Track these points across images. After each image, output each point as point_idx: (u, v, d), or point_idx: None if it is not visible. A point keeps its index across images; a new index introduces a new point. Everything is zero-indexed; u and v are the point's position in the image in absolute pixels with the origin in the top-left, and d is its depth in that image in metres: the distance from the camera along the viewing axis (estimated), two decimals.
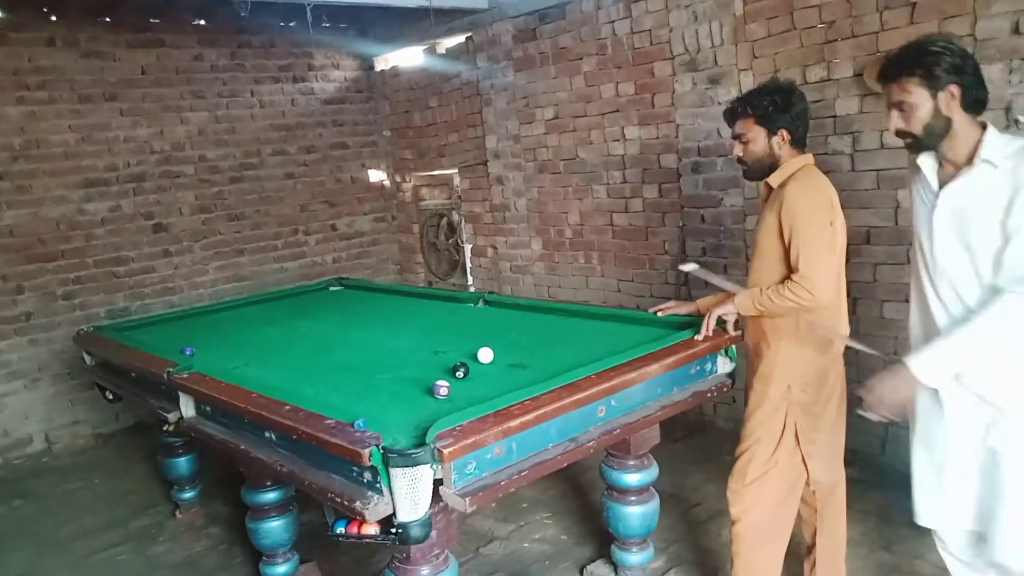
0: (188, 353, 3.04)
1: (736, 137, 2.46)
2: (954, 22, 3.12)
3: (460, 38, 5.61)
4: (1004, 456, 1.92)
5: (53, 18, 4.99)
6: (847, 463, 2.61)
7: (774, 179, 2.42)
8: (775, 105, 2.35)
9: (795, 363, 2.38)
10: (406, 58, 6.28)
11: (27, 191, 4.96)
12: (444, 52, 5.84)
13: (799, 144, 2.41)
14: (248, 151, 5.88)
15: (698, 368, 2.67)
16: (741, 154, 2.46)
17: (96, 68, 5.17)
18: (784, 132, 2.37)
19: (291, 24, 5.91)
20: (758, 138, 2.40)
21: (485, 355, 2.64)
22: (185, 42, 5.54)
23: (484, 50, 5.36)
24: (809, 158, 2.43)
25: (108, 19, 5.18)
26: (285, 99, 6.06)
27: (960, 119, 1.93)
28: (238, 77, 5.80)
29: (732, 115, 2.47)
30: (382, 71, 6.48)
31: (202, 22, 5.58)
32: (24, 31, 4.90)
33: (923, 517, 2.15)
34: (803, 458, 2.42)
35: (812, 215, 2.27)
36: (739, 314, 2.51)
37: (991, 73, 3.03)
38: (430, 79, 5.98)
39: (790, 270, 2.31)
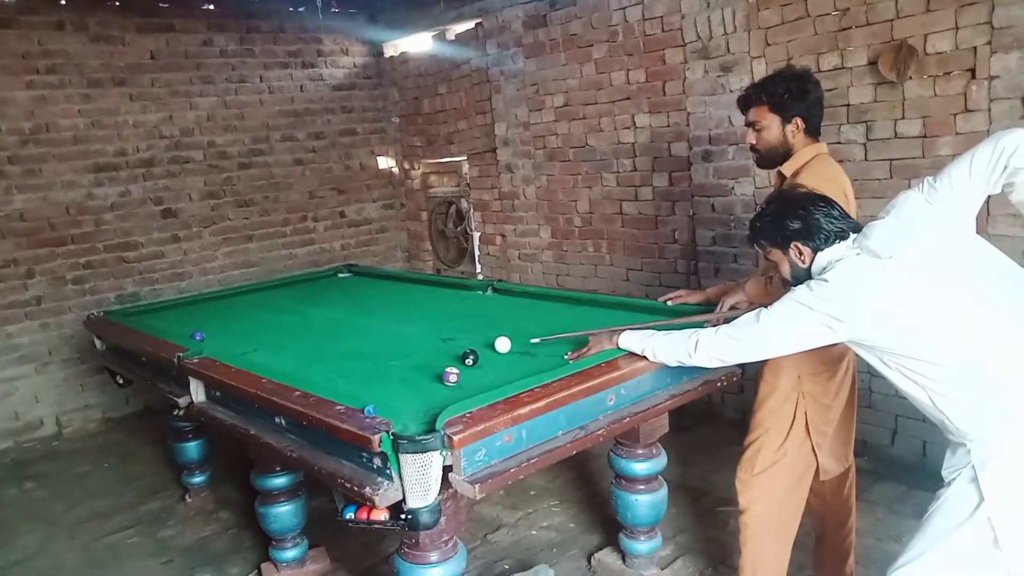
0: (198, 338, 3.04)
1: (749, 124, 2.44)
2: (971, 10, 3.08)
3: (469, 24, 5.57)
4: None
5: (62, 1, 4.98)
6: (856, 453, 2.60)
7: (787, 168, 2.40)
8: (790, 92, 2.32)
9: (806, 354, 2.36)
10: (415, 44, 6.25)
11: (37, 175, 4.97)
12: (453, 38, 5.81)
13: (813, 133, 2.38)
14: (257, 137, 5.88)
15: None
16: (754, 141, 2.44)
17: (105, 52, 5.16)
18: (798, 120, 2.34)
19: (300, 9, 5.90)
20: (772, 126, 2.38)
21: (503, 344, 2.62)
22: (194, 27, 5.52)
23: (494, 36, 5.33)
24: (823, 147, 2.40)
25: (117, 3, 5.17)
26: (294, 85, 6.04)
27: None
28: (247, 62, 5.79)
29: (746, 102, 2.45)
30: (391, 57, 6.46)
31: (211, 7, 5.57)
32: (33, 14, 4.90)
33: None
34: (813, 448, 2.41)
35: None
36: (750, 303, 2.50)
37: (1008, 62, 3.01)
38: (439, 65, 5.95)
39: None
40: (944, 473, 1.82)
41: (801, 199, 1.97)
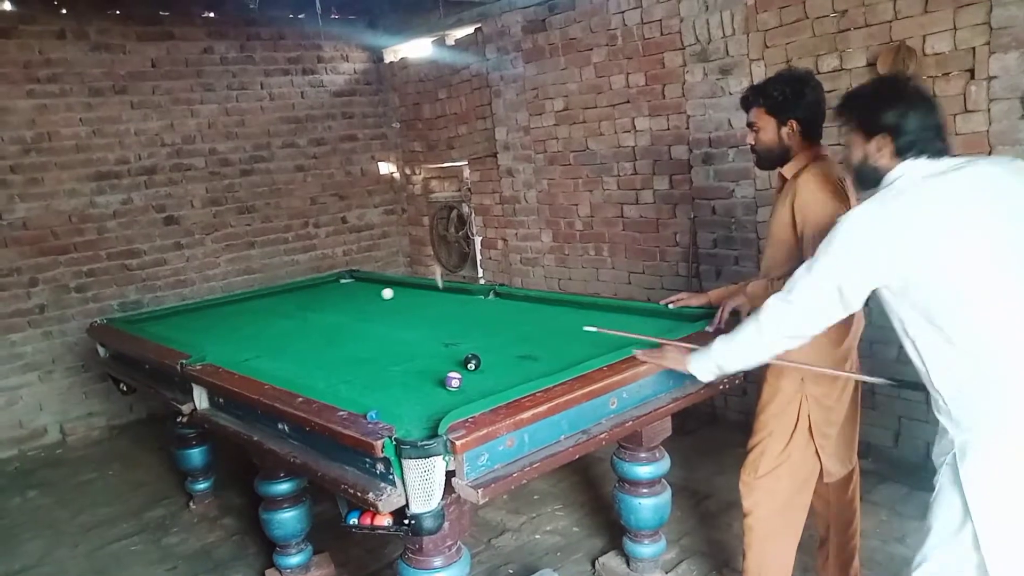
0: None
1: (749, 125, 2.45)
2: (969, 10, 3.09)
3: (469, 29, 5.59)
4: None
5: (63, 11, 5.00)
6: (860, 455, 2.60)
7: (788, 169, 2.40)
8: (785, 96, 2.33)
9: (809, 356, 2.36)
10: (415, 50, 6.27)
11: (39, 184, 4.99)
12: (453, 43, 5.82)
13: (813, 135, 2.38)
14: (258, 144, 5.89)
15: None
16: (752, 142, 2.45)
17: (106, 61, 5.18)
18: (794, 123, 2.34)
19: (300, 16, 5.92)
20: (768, 127, 2.38)
21: (387, 293, 2.98)
22: (194, 35, 5.54)
23: (493, 41, 5.34)
24: (824, 149, 2.40)
25: (118, 12, 5.19)
26: (295, 91, 6.06)
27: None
28: (248, 69, 5.81)
29: (746, 103, 2.46)
30: (391, 63, 6.47)
31: (211, 14, 5.59)
32: (34, 24, 4.92)
33: None
34: (817, 451, 2.40)
35: (825, 207, 2.25)
36: (752, 306, 2.50)
37: (1007, 62, 3.01)
38: (439, 71, 5.96)
39: (803, 261, 2.29)
40: (935, 460, 1.82)
41: (913, 95, 1.83)
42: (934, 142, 1.80)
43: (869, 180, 1.93)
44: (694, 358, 2.15)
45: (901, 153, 1.81)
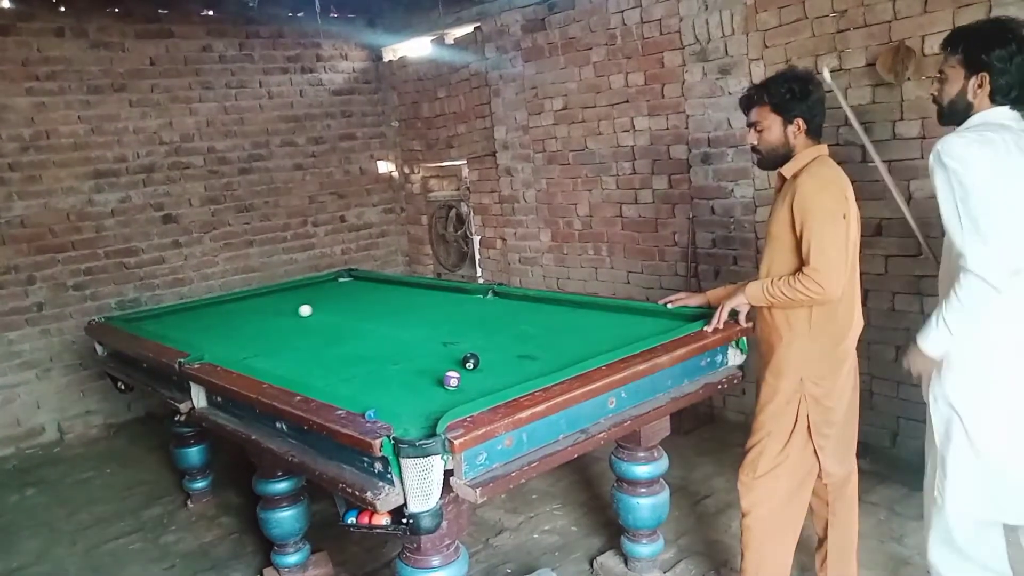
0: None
1: (751, 125, 2.44)
2: (969, 10, 3.08)
3: (468, 28, 5.58)
4: None
5: (62, 8, 4.99)
6: (859, 455, 2.60)
7: (787, 169, 2.40)
8: (792, 93, 2.32)
9: (808, 356, 2.36)
10: (414, 48, 6.26)
11: (37, 182, 4.98)
12: (452, 42, 5.82)
13: (814, 134, 2.38)
14: (257, 142, 5.88)
15: (708, 360, 2.66)
16: (755, 142, 2.44)
17: (105, 59, 5.17)
18: (800, 121, 2.34)
19: (299, 15, 5.91)
20: (773, 126, 2.37)
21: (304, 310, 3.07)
22: (193, 33, 5.53)
23: (492, 40, 5.34)
24: (824, 148, 2.40)
25: (116, 9, 5.18)
26: (293, 90, 6.05)
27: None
28: (246, 68, 5.80)
29: (748, 102, 2.44)
30: (390, 62, 6.47)
31: (210, 12, 5.58)
32: (33, 21, 4.91)
33: None
34: (815, 451, 2.41)
35: (825, 207, 2.25)
36: (750, 306, 2.50)
37: None
38: (438, 70, 5.96)
39: (802, 262, 2.29)
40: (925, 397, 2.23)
41: (1022, 42, 1.96)
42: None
43: (958, 115, 2.12)
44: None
45: (996, 95, 2.01)
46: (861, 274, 2.48)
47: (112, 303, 5.27)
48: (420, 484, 1.87)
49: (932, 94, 2.24)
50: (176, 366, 2.80)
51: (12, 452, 4.92)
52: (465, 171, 6.00)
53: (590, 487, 3.73)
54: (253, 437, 2.47)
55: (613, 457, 2.76)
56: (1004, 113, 2.09)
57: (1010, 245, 1.98)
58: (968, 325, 2.07)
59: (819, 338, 2.36)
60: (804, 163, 2.35)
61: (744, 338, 2.69)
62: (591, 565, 3.06)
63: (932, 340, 2.15)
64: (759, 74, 3.76)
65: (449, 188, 6.29)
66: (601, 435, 2.23)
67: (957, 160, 1.98)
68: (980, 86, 2.08)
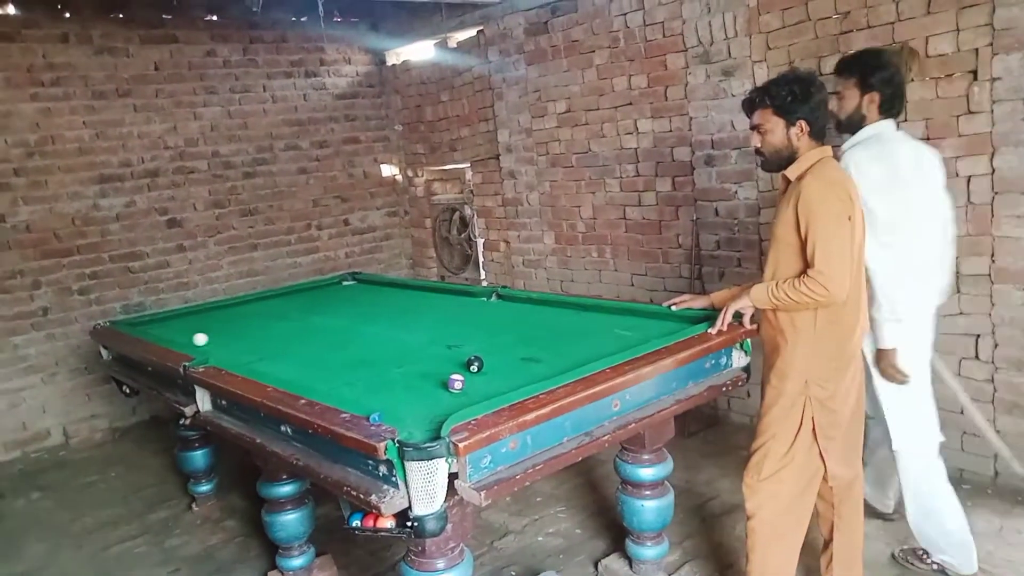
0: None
1: (754, 128, 2.43)
2: (972, 11, 3.08)
3: (471, 31, 5.59)
4: None
5: (67, 15, 5.02)
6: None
7: (792, 171, 2.39)
8: (794, 95, 2.32)
9: (813, 358, 2.36)
10: (417, 52, 6.28)
11: (42, 187, 5.00)
12: (455, 46, 5.83)
13: (818, 136, 2.38)
14: (261, 146, 5.90)
15: (713, 362, 2.66)
16: (759, 145, 2.44)
17: (109, 64, 5.20)
18: (803, 123, 2.34)
19: (303, 19, 5.94)
20: (776, 129, 2.37)
21: (199, 339, 3.13)
22: (197, 38, 5.55)
23: (495, 43, 5.35)
24: (828, 150, 2.40)
25: (121, 15, 5.21)
26: (297, 94, 6.07)
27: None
28: (250, 72, 5.82)
29: (750, 105, 2.44)
30: (393, 65, 6.48)
31: (214, 18, 5.60)
32: (37, 28, 4.93)
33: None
34: (820, 453, 2.40)
35: (830, 209, 2.25)
36: (755, 308, 2.50)
37: (1010, 63, 3.00)
38: (442, 73, 5.97)
39: (807, 264, 2.29)
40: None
41: (895, 67, 2.66)
42: (899, 107, 2.70)
43: (854, 126, 2.67)
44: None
45: (882, 109, 2.60)
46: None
47: (117, 307, 5.28)
48: (424, 487, 1.87)
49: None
50: (181, 370, 2.80)
51: (18, 456, 4.94)
52: (469, 174, 6.01)
53: (595, 490, 3.73)
54: (258, 440, 2.47)
55: (618, 459, 2.76)
56: (889, 125, 2.66)
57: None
58: (894, 309, 2.53)
59: (824, 340, 2.35)
60: (808, 165, 2.35)
61: (748, 340, 2.69)
62: (596, 568, 3.05)
63: (885, 335, 2.57)
64: (762, 76, 3.76)
65: (453, 191, 6.30)
66: (606, 438, 2.23)
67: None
68: (872, 102, 2.61)
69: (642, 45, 4.42)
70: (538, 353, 2.67)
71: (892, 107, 2.65)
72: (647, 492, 2.73)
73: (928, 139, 3.30)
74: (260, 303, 4.33)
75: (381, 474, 1.94)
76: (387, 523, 1.99)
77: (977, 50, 3.10)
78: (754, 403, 3.08)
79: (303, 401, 2.24)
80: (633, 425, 2.33)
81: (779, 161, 2.42)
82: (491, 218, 5.84)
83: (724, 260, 4.26)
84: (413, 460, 1.84)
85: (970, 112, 3.17)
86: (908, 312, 2.55)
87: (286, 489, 2.84)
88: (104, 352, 3.82)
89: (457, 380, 2.30)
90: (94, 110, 5.16)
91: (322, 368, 2.78)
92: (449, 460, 1.86)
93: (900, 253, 2.51)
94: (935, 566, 2.76)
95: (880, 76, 2.60)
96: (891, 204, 2.49)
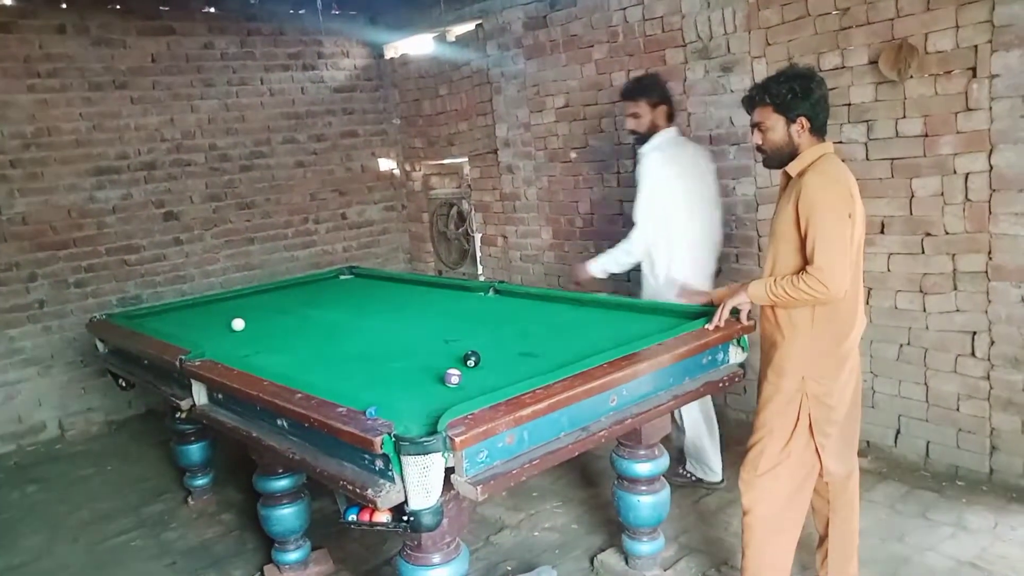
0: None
1: (755, 125, 2.43)
2: (972, 8, 3.08)
3: (470, 25, 5.58)
4: None
5: (63, 5, 4.99)
6: (860, 454, 2.60)
7: (792, 168, 2.39)
8: (793, 92, 2.31)
9: (810, 355, 2.36)
10: (416, 46, 6.26)
11: (38, 179, 4.98)
12: (454, 40, 5.81)
13: (819, 132, 2.37)
14: (258, 139, 5.88)
15: (710, 358, 2.66)
16: (760, 142, 2.43)
17: (106, 56, 5.17)
18: (803, 120, 2.33)
19: (301, 12, 5.91)
20: (776, 126, 2.36)
21: (238, 324, 3.26)
22: (195, 30, 5.53)
23: (494, 37, 5.33)
24: (829, 146, 2.39)
25: (118, 6, 5.18)
26: (295, 87, 6.05)
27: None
28: (248, 65, 5.80)
29: (750, 102, 2.43)
30: (392, 59, 6.46)
31: (212, 10, 5.58)
32: (34, 18, 4.90)
33: None
34: (817, 450, 2.40)
35: (830, 206, 2.24)
36: (752, 304, 2.50)
37: (1009, 60, 3.00)
38: (440, 67, 5.95)
39: (806, 260, 2.29)
40: None
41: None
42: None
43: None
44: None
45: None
46: (863, 272, 2.48)
47: (113, 300, 5.26)
48: (421, 481, 1.87)
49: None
50: (177, 363, 2.80)
51: (13, 449, 4.93)
52: (466, 168, 5.99)
53: (591, 485, 3.73)
54: (254, 434, 2.47)
55: (614, 455, 2.76)
56: (674, 131, 3.29)
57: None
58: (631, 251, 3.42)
59: (821, 337, 2.35)
60: (809, 161, 2.35)
61: (745, 336, 2.69)
62: (592, 563, 3.06)
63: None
64: (761, 72, 3.75)
65: (450, 185, 6.29)
66: (602, 433, 2.23)
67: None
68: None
69: (641, 40, 4.41)
70: (535, 348, 2.66)
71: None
72: (643, 487, 2.74)
73: (926, 135, 3.30)
74: (257, 297, 4.32)
75: (377, 468, 1.94)
76: (383, 517, 2.00)
77: (976, 47, 3.09)
78: (751, 399, 3.08)
79: (299, 395, 2.24)
80: (629, 420, 2.33)
81: (780, 158, 2.41)
82: (489, 213, 5.84)
83: (722, 256, 4.24)
84: (409, 454, 1.84)
85: (969, 109, 3.16)
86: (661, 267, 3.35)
87: (282, 483, 2.84)
88: (100, 345, 3.81)
89: (454, 375, 2.30)
90: (91, 102, 5.14)
91: (319, 362, 2.78)
92: (445, 455, 1.86)
93: (677, 228, 3.30)
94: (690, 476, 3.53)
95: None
96: (676, 192, 3.27)
